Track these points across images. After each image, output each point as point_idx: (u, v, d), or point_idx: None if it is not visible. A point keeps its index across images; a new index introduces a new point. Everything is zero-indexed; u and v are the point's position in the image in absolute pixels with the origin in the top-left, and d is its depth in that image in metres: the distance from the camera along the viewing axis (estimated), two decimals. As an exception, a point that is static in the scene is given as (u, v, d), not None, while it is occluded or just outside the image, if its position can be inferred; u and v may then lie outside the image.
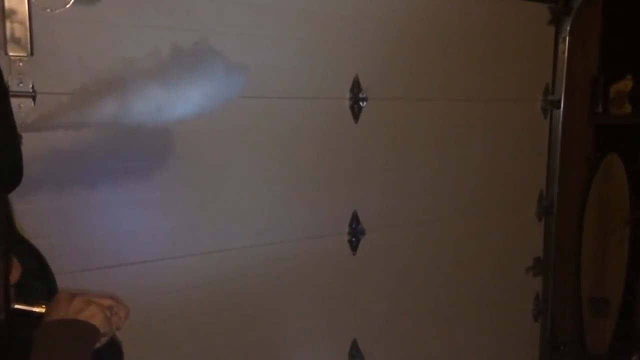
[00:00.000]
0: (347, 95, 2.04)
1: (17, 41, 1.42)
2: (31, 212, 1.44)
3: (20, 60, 1.43)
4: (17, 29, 1.42)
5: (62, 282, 1.12)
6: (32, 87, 1.46)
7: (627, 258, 2.93)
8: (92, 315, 0.93)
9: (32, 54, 1.44)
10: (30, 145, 1.30)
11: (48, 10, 1.45)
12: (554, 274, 2.80)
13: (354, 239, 2.13)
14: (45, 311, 0.93)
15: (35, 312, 0.93)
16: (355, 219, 2.12)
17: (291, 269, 2.00)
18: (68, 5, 1.46)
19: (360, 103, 2.06)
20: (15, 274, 0.84)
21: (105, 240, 1.63)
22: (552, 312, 2.83)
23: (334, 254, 2.10)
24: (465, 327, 2.51)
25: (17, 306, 0.91)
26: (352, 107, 2.06)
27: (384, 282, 2.24)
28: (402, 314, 2.31)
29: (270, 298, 1.97)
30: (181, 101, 1.21)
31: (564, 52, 2.64)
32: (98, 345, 0.95)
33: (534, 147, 2.68)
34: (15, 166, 0.79)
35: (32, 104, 1.46)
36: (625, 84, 2.81)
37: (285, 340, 2.03)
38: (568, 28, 2.62)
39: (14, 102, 1.41)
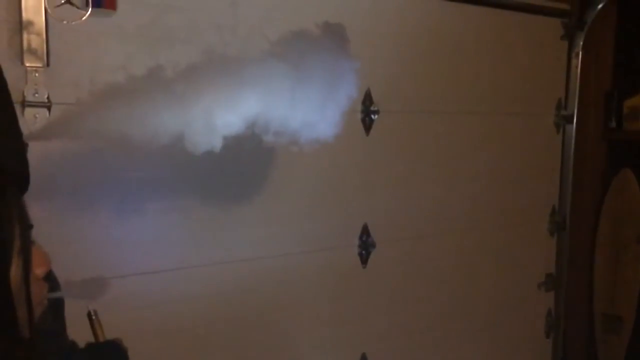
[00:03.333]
0: (359, 107, 2.04)
1: (33, 52, 1.44)
2: (41, 221, 1.44)
3: (36, 71, 1.45)
4: (33, 40, 1.44)
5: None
6: (48, 98, 1.47)
7: (641, 275, 2.90)
8: None
9: (48, 64, 1.46)
10: (40, 153, 1.30)
11: (65, 22, 1.47)
12: (566, 290, 2.76)
13: (364, 252, 2.12)
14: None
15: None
16: (365, 232, 2.12)
17: (300, 281, 2.00)
18: (84, 17, 1.47)
19: (372, 116, 2.06)
20: (44, 266, 0.77)
21: (116, 249, 1.64)
22: (564, 328, 2.79)
23: (344, 266, 2.09)
24: (476, 342, 2.48)
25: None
26: (363, 120, 2.06)
27: (394, 295, 2.22)
28: (412, 328, 2.29)
29: (278, 310, 1.97)
30: (200, 114, 1.22)
31: (577, 67, 2.61)
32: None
33: (546, 161, 2.66)
34: (23, 168, 0.78)
35: (48, 114, 1.47)
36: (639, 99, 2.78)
37: (294, 353, 2.02)
38: (581, 43, 2.60)
39: (30, 112, 1.44)
